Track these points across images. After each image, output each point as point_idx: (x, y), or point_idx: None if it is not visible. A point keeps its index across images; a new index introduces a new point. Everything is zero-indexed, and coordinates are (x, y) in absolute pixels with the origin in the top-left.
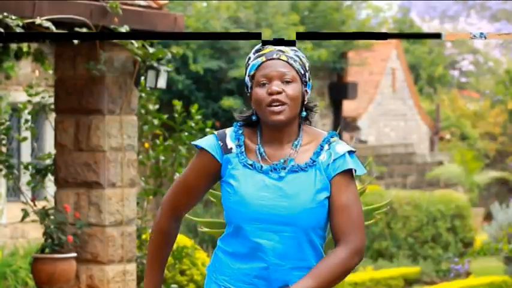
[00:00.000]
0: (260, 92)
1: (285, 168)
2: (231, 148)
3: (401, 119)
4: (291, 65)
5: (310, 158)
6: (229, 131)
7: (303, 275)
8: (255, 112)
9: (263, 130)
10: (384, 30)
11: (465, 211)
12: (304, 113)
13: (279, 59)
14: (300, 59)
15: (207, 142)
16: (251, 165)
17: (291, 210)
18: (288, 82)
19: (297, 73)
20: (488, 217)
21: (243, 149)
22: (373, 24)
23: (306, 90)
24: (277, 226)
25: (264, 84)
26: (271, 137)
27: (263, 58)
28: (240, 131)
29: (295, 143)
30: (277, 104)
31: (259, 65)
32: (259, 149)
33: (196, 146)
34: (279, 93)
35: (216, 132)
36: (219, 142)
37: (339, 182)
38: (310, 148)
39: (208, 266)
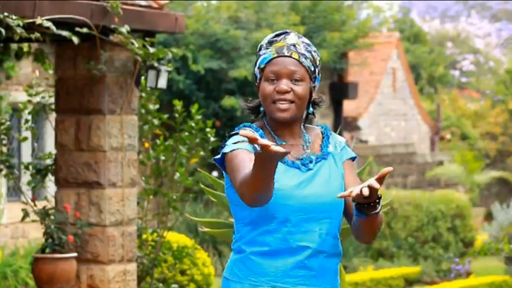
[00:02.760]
0: (268, 88)
1: (311, 162)
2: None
3: (401, 118)
4: (301, 63)
5: (324, 147)
6: (249, 130)
7: (337, 260)
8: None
9: (273, 125)
10: (384, 30)
11: (466, 211)
12: (311, 109)
13: (290, 56)
14: (312, 55)
15: (240, 139)
16: (282, 160)
17: (330, 197)
18: (296, 81)
19: (307, 71)
20: (489, 217)
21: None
22: (373, 24)
23: (314, 86)
24: (320, 214)
25: (272, 80)
26: (284, 132)
27: (274, 53)
28: (258, 129)
29: (306, 138)
30: (284, 102)
31: (269, 60)
32: (280, 143)
33: (231, 149)
34: (286, 92)
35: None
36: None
37: (349, 165)
38: (316, 140)
39: (233, 271)
